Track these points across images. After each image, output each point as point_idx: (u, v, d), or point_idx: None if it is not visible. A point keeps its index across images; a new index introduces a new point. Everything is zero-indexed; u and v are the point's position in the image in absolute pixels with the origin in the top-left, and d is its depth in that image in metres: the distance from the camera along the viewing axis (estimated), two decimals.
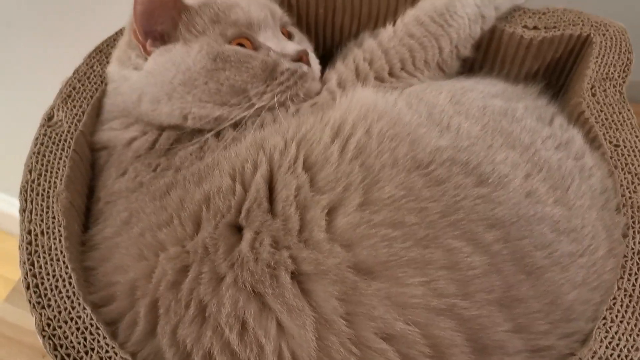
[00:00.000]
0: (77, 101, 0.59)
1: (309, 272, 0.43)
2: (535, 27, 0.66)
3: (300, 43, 0.64)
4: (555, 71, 0.70)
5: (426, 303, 0.41)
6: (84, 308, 0.47)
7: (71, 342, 0.45)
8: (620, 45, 0.64)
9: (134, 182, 0.53)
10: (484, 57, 0.70)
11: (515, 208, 0.46)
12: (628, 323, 0.47)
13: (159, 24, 0.57)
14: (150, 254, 0.47)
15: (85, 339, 0.46)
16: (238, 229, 0.46)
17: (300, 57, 0.59)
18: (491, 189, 0.46)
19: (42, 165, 0.54)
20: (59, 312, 0.47)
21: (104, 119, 0.59)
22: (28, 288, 0.48)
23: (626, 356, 0.46)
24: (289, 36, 0.64)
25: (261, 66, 0.56)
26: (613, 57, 0.63)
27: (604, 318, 0.47)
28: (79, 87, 0.60)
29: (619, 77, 0.62)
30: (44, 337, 0.46)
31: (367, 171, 0.45)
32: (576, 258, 0.46)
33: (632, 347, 0.46)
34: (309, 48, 0.65)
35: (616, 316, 0.47)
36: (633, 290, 0.49)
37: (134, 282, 0.47)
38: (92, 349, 0.45)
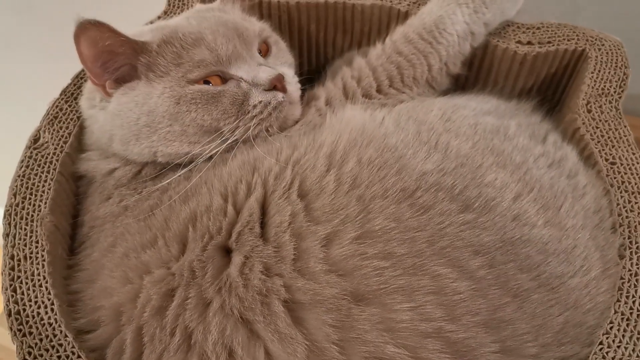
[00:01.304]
0: (64, 122, 0.58)
1: (304, 301, 0.42)
2: (529, 42, 0.65)
3: (278, 59, 0.61)
4: (551, 86, 0.69)
5: (414, 327, 0.41)
6: (66, 336, 0.46)
7: None
8: (617, 60, 0.63)
9: (119, 207, 0.52)
10: (477, 73, 0.69)
11: (501, 232, 0.45)
12: (626, 348, 0.46)
13: (114, 67, 0.54)
14: (135, 276, 0.46)
15: None
16: (227, 252, 0.45)
17: (274, 85, 0.55)
18: (476, 215, 0.45)
19: (27, 188, 0.53)
20: (40, 340, 0.46)
21: (83, 149, 0.58)
22: (9, 315, 0.47)
23: None
24: (267, 51, 0.61)
25: (230, 101, 0.53)
26: (609, 72, 0.62)
27: (601, 343, 0.46)
28: (66, 108, 0.59)
29: (615, 92, 0.61)
30: None
31: (362, 204, 0.45)
32: (566, 279, 0.45)
33: None
34: (288, 64, 0.61)
35: (613, 341, 0.46)
36: (630, 313, 0.47)
37: (119, 307, 0.46)
38: None
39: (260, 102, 0.54)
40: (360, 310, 0.41)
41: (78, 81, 0.61)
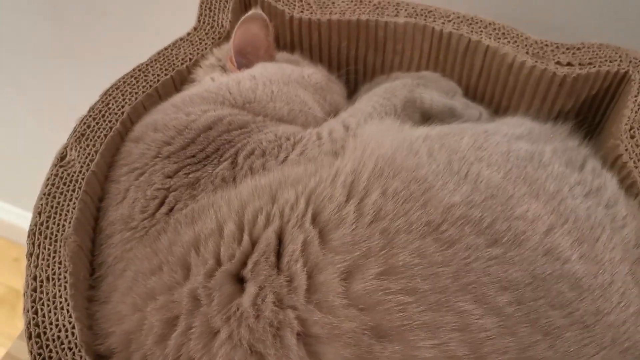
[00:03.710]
0: (91, 140, 0.58)
1: (320, 335, 0.41)
2: (569, 64, 0.63)
3: None
4: (591, 109, 0.66)
5: None
6: None
7: None
8: None
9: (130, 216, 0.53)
10: (511, 94, 0.66)
11: (531, 268, 0.43)
12: None
13: None
14: (142, 303, 0.45)
15: None
16: (238, 281, 0.44)
17: None
18: (505, 250, 0.43)
19: (52, 207, 0.53)
20: None
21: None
22: (30, 338, 0.46)
23: None
24: None
25: None
26: None
27: None
28: (94, 126, 0.59)
29: None
30: None
31: (387, 238, 0.43)
32: (602, 316, 0.43)
33: None
34: None
35: None
36: None
37: (129, 335, 0.45)
38: None
39: None
40: (382, 347, 0.40)
41: (106, 98, 0.61)
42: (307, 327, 0.41)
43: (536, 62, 0.63)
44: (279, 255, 0.45)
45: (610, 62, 0.63)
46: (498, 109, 0.68)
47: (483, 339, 0.40)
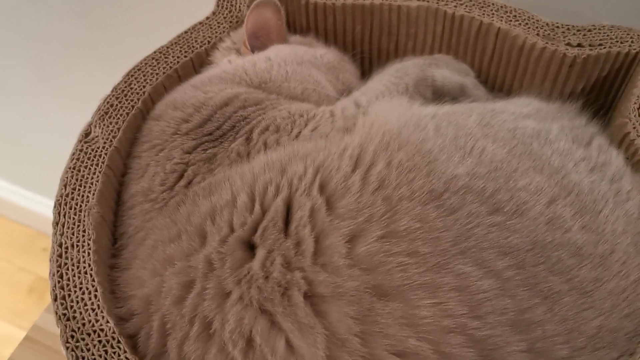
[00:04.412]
0: (114, 118, 0.60)
1: (325, 294, 0.43)
2: (579, 45, 0.64)
3: None
4: (602, 91, 0.67)
5: (437, 322, 0.41)
6: (107, 321, 0.48)
7: (92, 354, 0.46)
8: None
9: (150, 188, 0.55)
10: (522, 75, 0.67)
11: (532, 235, 0.45)
12: None
13: None
14: (162, 269, 0.48)
15: (106, 351, 0.46)
16: (250, 247, 0.46)
17: None
18: (506, 218, 0.45)
19: (77, 180, 0.56)
20: (83, 324, 0.48)
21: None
22: (55, 300, 0.49)
23: None
24: None
25: None
26: None
27: None
28: (117, 105, 0.61)
29: None
30: (67, 348, 0.47)
31: (389, 205, 0.45)
32: (602, 284, 0.45)
33: None
34: None
35: None
36: None
37: (149, 298, 0.48)
38: None
39: None
40: (383, 305, 0.42)
41: (128, 79, 0.63)
42: (313, 287, 0.43)
43: (547, 43, 0.64)
44: (287, 222, 0.47)
45: (621, 43, 0.63)
46: (510, 92, 0.69)
47: (481, 299, 0.42)
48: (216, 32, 0.69)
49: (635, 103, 0.58)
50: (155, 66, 0.65)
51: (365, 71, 0.75)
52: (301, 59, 0.66)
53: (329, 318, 0.42)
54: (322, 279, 0.43)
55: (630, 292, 0.46)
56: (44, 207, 1.98)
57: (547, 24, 0.66)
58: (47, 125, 1.56)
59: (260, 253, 0.45)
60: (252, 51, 0.68)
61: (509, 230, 0.45)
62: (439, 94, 0.64)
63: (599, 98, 0.67)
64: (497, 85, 0.71)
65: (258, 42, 0.69)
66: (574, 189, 0.49)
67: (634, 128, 0.57)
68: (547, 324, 0.42)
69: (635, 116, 0.57)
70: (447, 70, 0.66)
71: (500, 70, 0.69)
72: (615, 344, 0.44)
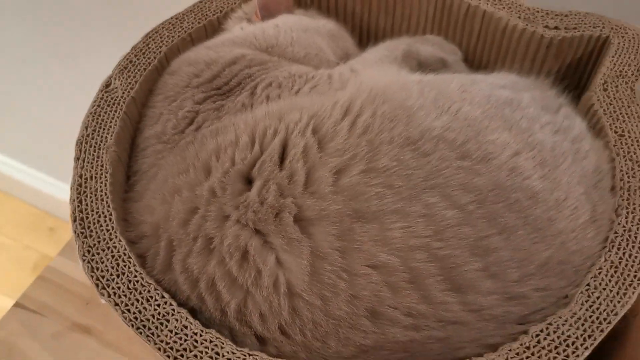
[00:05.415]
0: (132, 72, 0.67)
1: (312, 217, 0.49)
2: (556, 28, 0.70)
3: None
4: (577, 72, 0.73)
5: (405, 241, 0.47)
6: (120, 240, 0.54)
7: (106, 266, 0.52)
8: (638, 47, 0.68)
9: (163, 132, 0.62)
10: (505, 55, 0.74)
11: (494, 179, 0.51)
12: (610, 291, 0.50)
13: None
14: (171, 198, 0.54)
15: (117, 264, 0.53)
16: (249, 181, 0.53)
17: None
18: (473, 163, 0.51)
19: (97, 123, 0.62)
20: (98, 242, 0.54)
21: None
22: (74, 220, 0.55)
23: (605, 319, 0.49)
24: None
25: None
26: (629, 57, 0.67)
27: (588, 285, 0.50)
28: (135, 61, 0.68)
29: (632, 75, 0.65)
30: (83, 261, 0.53)
31: (371, 147, 0.52)
32: (554, 223, 0.51)
33: (611, 311, 0.49)
34: None
35: (600, 284, 0.50)
36: (619, 262, 0.52)
37: (158, 223, 0.54)
38: (123, 273, 0.52)
39: None
40: (361, 226, 0.48)
41: (146, 40, 0.70)
42: (302, 211, 0.49)
43: (526, 25, 0.71)
44: (283, 159, 0.53)
45: (594, 27, 0.70)
46: (493, 70, 0.76)
47: (445, 226, 0.48)
48: (228, 3, 0.76)
49: (601, 79, 0.65)
50: (171, 30, 0.72)
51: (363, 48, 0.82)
52: (306, 27, 0.73)
53: (314, 237, 0.48)
54: (310, 203, 0.49)
55: (579, 232, 0.52)
56: (51, 186, 2.01)
57: (528, 9, 0.72)
58: (57, 105, 1.61)
59: (258, 183, 0.51)
60: (263, 20, 0.75)
61: (474, 173, 0.51)
62: (424, 67, 0.70)
63: (574, 78, 0.73)
64: (483, 63, 0.77)
65: (268, 13, 0.75)
66: (537, 146, 0.55)
67: (598, 100, 0.63)
68: (502, 251, 0.48)
69: (600, 90, 0.64)
70: (430, 46, 0.73)
71: (486, 49, 0.76)
72: (563, 275, 0.50)
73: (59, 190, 1.95)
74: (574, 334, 0.48)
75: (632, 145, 0.59)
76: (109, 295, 0.51)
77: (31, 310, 0.77)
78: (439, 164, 0.51)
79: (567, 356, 0.47)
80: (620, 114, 0.61)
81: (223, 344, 0.48)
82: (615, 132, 0.60)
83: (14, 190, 2.14)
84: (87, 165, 0.59)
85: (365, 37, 0.83)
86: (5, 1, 1.41)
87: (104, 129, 0.62)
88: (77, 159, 0.60)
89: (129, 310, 0.50)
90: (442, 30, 0.78)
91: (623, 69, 0.65)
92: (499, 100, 0.59)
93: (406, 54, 0.71)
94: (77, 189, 0.58)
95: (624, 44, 0.68)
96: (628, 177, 0.57)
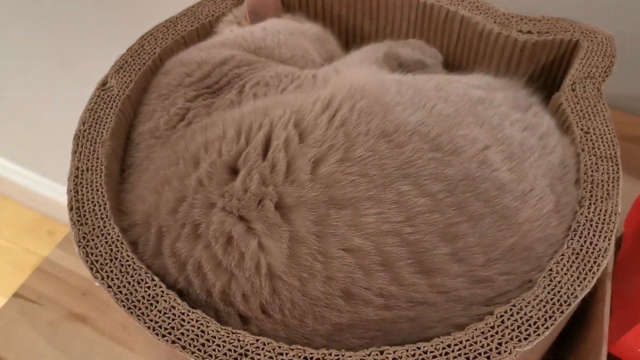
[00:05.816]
0: (127, 72, 0.71)
1: (291, 204, 0.52)
2: (529, 32, 0.74)
3: None
4: (549, 74, 0.77)
5: (377, 227, 0.50)
6: (113, 227, 0.57)
7: (100, 251, 0.56)
8: (606, 50, 0.71)
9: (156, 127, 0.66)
10: (482, 59, 0.78)
11: (464, 170, 0.54)
12: (571, 275, 0.54)
13: None
14: (161, 188, 0.57)
15: (111, 250, 0.56)
16: (234, 172, 0.56)
17: None
18: (444, 155, 0.54)
19: (94, 119, 0.66)
20: (93, 229, 0.57)
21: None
22: (71, 209, 0.59)
23: (565, 301, 0.52)
24: None
25: None
26: (597, 60, 0.70)
27: (550, 270, 0.54)
28: (130, 61, 0.72)
29: (599, 76, 0.69)
30: (79, 247, 0.56)
31: (348, 138, 0.55)
32: (519, 212, 0.54)
33: (571, 294, 0.52)
34: None
35: (561, 269, 0.54)
36: (580, 250, 0.55)
37: (149, 211, 0.57)
38: (116, 258, 0.56)
39: None
40: (336, 212, 0.51)
41: (141, 41, 0.74)
42: (282, 198, 0.53)
43: (501, 30, 0.75)
44: (266, 151, 0.57)
45: (565, 32, 0.74)
46: (471, 72, 0.79)
47: (416, 212, 0.51)
48: (220, 7, 0.80)
49: (570, 80, 0.68)
50: (165, 32, 0.76)
51: (349, 51, 0.86)
52: (293, 30, 0.77)
53: (293, 222, 0.52)
54: (290, 191, 0.53)
55: (543, 221, 0.55)
56: (50, 190, 2.04)
57: (503, 14, 0.76)
58: (56, 109, 1.63)
59: (242, 173, 0.55)
60: (252, 24, 0.79)
61: (445, 164, 0.54)
62: (404, 68, 0.74)
63: (547, 80, 0.77)
64: (462, 65, 0.81)
65: (256, 17, 0.80)
66: (507, 141, 0.58)
67: (566, 100, 0.67)
68: (469, 237, 0.52)
69: (568, 90, 0.68)
70: (411, 49, 0.77)
71: (464, 52, 0.80)
72: (527, 260, 0.53)
73: (58, 193, 1.97)
74: (535, 314, 0.51)
75: (596, 141, 0.63)
76: (103, 278, 0.54)
77: (30, 300, 0.81)
78: (412, 155, 0.54)
79: (529, 335, 0.50)
80: (587, 112, 0.65)
81: (208, 323, 0.51)
82: (582, 130, 0.64)
83: (13, 194, 2.17)
84: (83, 158, 0.63)
85: (350, 41, 0.87)
86: (6, 8, 1.45)
87: (100, 125, 0.66)
88: (74, 152, 0.64)
89: (120, 292, 0.54)
90: (424, 34, 0.82)
91: (591, 71, 0.69)
92: (473, 99, 0.62)
93: (387, 56, 0.75)
94: (74, 180, 0.61)
95: (593, 47, 0.72)
96: (592, 171, 0.60)
